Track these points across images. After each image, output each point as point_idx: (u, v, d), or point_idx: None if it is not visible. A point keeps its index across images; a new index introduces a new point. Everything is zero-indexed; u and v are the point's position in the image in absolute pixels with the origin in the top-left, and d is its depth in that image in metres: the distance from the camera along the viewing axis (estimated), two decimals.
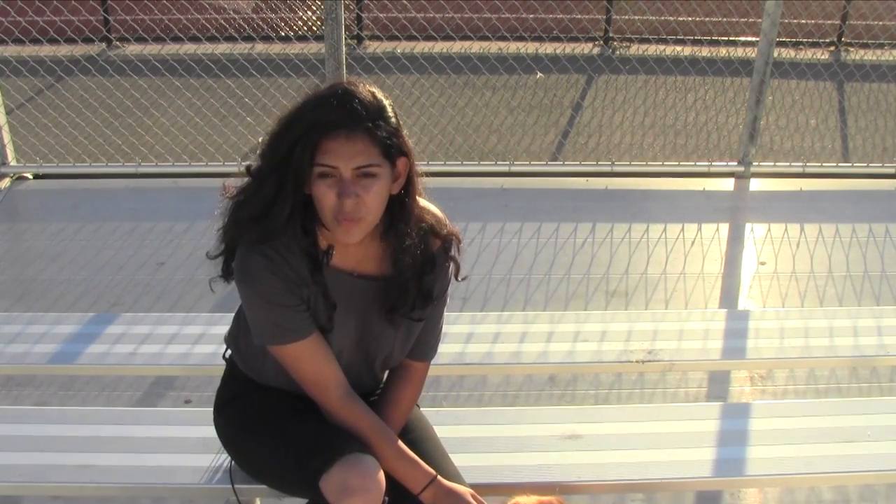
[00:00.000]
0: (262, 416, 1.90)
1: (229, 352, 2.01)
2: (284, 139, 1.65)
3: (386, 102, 1.68)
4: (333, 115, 1.61)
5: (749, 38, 7.25)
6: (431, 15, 6.87)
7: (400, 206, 1.75)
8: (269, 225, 1.69)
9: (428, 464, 1.83)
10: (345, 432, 1.79)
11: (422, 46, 6.99)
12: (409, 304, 1.82)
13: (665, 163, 5.10)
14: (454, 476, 1.88)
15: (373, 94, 1.67)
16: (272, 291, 1.72)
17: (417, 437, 1.94)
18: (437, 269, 1.84)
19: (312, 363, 1.79)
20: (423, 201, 1.82)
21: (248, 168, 1.75)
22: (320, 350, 1.79)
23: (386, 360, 1.93)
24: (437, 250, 1.84)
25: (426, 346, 1.95)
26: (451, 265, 1.88)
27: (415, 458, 1.81)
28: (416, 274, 1.81)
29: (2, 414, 2.41)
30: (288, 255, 1.72)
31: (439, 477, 1.79)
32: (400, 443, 1.82)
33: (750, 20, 7.24)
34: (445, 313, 1.97)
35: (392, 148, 1.66)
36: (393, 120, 1.68)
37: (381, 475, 1.71)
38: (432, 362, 2.00)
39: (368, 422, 1.80)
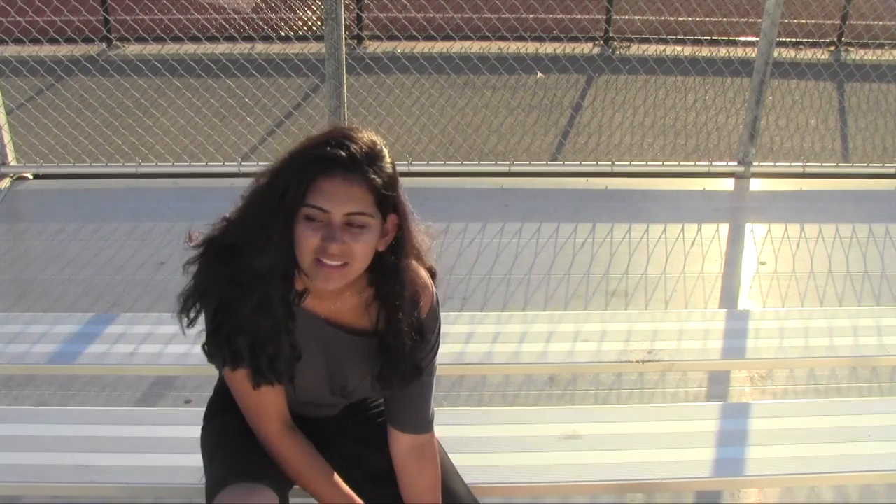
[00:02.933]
0: (227, 442, 1.85)
1: None
2: (279, 179, 1.57)
3: (385, 152, 1.60)
4: (331, 154, 1.54)
5: (749, 38, 7.25)
6: (431, 15, 6.87)
7: (386, 266, 1.66)
8: (264, 284, 1.61)
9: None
10: (271, 463, 1.75)
11: (422, 46, 6.99)
12: (401, 374, 1.75)
13: (665, 163, 5.09)
14: (458, 494, 1.86)
15: (373, 141, 1.59)
16: None
17: None
18: (425, 339, 1.76)
19: (255, 394, 1.73)
20: (414, 263, 1.73)
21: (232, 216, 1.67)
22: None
23: (361, 401, 1.91)
24: (424, 319, 1.75)
25: (421, 416, 1.84)
26: (435, 335, 1.79)
27: (350, 494, 1.75)
28: (410, 341, 1.72)
29: (2, 414, 2.41)
30: None
31: None
32: (336, 478, 1.75)
33: (750, 20, 7.24)
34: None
35: (387, 199, 1.59)
36: (390, 170, 1.60)
37: None
38: None
39: (302, 456, 1.75)
